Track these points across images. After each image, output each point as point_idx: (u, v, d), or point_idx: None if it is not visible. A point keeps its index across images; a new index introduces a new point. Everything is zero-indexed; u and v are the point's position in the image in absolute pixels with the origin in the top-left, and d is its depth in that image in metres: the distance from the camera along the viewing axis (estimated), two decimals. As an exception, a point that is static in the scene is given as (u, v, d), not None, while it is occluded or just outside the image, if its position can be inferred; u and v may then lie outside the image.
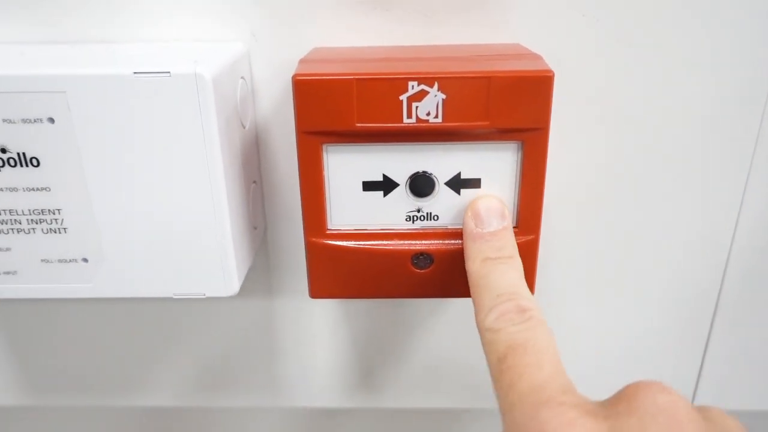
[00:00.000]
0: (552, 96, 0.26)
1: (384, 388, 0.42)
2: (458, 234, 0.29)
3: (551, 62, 0.28)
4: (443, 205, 0.29)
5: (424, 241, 0.29)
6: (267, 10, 0.32)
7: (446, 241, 0.29)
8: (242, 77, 0.31)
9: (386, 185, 0.29)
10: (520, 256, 0.28)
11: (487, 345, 0.24)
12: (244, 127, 0.32)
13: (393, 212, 0.29)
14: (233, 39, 0.32)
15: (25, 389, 0.43)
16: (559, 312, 0.39)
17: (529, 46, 0.31)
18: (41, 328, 0.40)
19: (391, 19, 0.32)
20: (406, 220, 0.29)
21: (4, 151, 0.28)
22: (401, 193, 0.29)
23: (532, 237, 0.29)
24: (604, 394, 0.21)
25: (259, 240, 0.35)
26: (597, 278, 0.38)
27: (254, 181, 0.34)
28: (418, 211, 0.29)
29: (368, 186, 0.29)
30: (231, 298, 0.31)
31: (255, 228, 0.34)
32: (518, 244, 0.29)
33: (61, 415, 0.46)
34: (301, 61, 0.29)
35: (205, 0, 0.31)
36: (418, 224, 0.30)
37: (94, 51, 0.30)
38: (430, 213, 0.29)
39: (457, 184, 0.29)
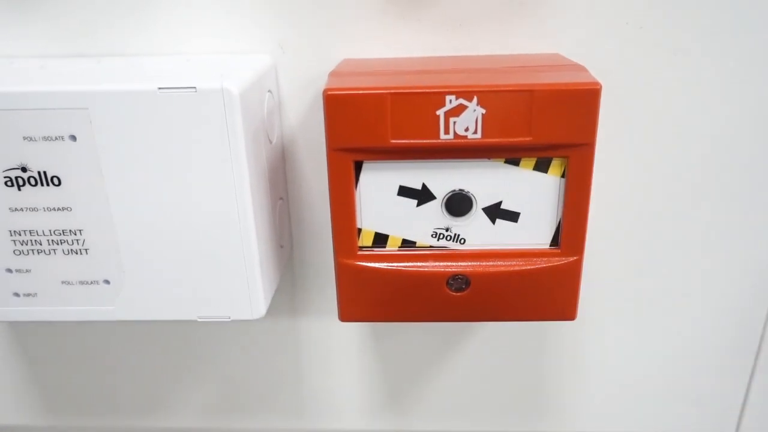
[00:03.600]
0: (599, 110, 0.25)
1: (412, 411, 0.41)
2: (493, 255, 0.28)
3: (593, 72, 0.26)
4: (474, 229, 0.28)
5: (460, 263, 0.28)
6: (294, 21, 0.30)
7: (482, 263, 0.28)
8: (269, 90, 0.30)
9: (423, 195, 0.27)
10: (563, 278, 0.27)
11: None
12: (271, 142, 0.31)
13: (421, 225, 0.28)
14: (260, 51, 0.31)
15: (47, 410, 0.42)
16: (602, 336, 0.37)
17: (569, 56, 0.30)
18: (62, 348, 0.40)
19: (423, 29, 0.31)
20: (431, 236, 0.28)
21: (24, 170, 0.27)
22: (436, 207, 0.27)
23: (575, 258, 0.28)
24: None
25: (285, 259, 0.34)
26: (642, 299, 0.36)
27: (281, 198, 0.33)
28: (447, 229, 0.28)
29: (404, 192, 0.27)
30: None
31: (282, 247, 0.33)
32: (561, 265, 0.28)
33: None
34: (332, 74, 0.27)
35: (231, 12, 0.30)
36: (442, 243, 0.28)
37: (118, 65, 0.29)
38: (458, 235, 0.28)
39: (495, 213, 0.27)
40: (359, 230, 0.28)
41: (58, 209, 0.27)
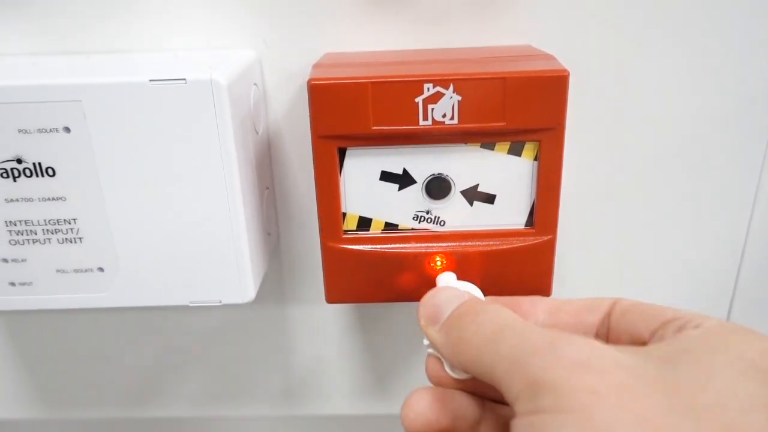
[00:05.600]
0: (567, 95, 0.26)
1: (400, 395, 0.42)
2: (475, 236, 0.29)
3: (564, 63, 0.28)
4: (453, 211, 0.29)
5: (440, 244, 0.29)
6: (277, 17, 0.32)
7: (461, 243, 0.29)
8: (255, 83, 0.31)
9: (404, 179, 0.29)
10: (538, 257, 0.29)
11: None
12: (257, 133, 0.32)
13: (403, 209, 0.29)
14: (245, 46, 0.32)
15: (39, 401, 0.43)
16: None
17: (540, 47, 0.31)
18: (55, 339, 0.40)
19: (403, 23, 0.32)
20: (413, 218, 0.29)
21: (19, 161, 0.28)
22: (416, 191, 0.29)
23: (549, 237, 0.29)
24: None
25: (272, 246, 0.35)
26: (612, 278, 0.38)
27: (267, 187, 0.34)
28: (428, 212, 0.29)
29: (386, 176, 0.29)
30: (244, 305, 0.31)
31: (269, 234, 0.34)
32: (535, 244, 0.29)
33: (76, 428, 0.46)
34: (315, 66, 0.29)
35: (216, 9, 0.32)
36: (423, 225, 0.29)
37: (108, 60, 0.30)
38: (438, 217, 0.29)
39: (472, 195, 0.29)
40: (344, 214, 0.29)
41: (53, 199, 0.28)
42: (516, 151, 0.28)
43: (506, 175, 0.29)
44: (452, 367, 0.24)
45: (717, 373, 0.17)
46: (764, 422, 0.16)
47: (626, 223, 0.36)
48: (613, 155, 0.34)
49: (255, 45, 0.32)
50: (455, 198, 0.29)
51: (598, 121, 0.33)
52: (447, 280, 0.28)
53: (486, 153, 0.28)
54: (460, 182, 0.29)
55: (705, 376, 0.17)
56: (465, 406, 0.24)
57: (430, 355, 0.25)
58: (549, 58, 0.29)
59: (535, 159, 0.28)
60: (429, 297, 0.25)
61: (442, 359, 0.24)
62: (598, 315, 0.23)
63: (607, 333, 0.23)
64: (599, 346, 0.18)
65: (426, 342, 0.24)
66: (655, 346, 0.19)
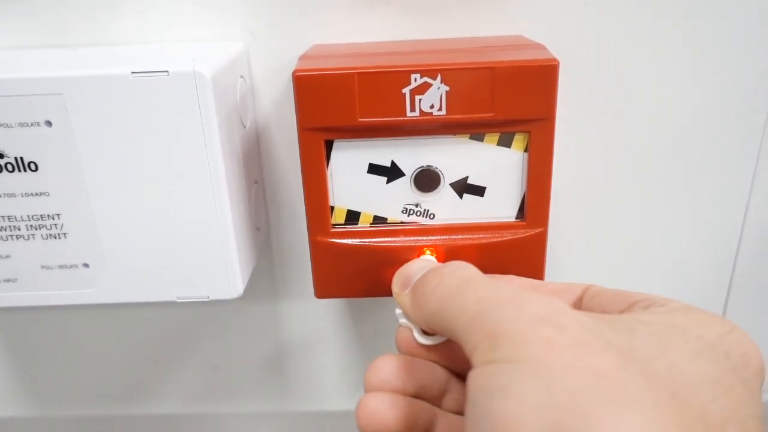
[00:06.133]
0: (557, 85, 0.26)
1: (392, 390, 0.41)
2: (464, 229, 0.29)
3: (555, 53, 0.27)
4: (443, 204, 0.29)
5: (430, 237, 0.29)
6: (265, 8, 0.31)
7: (451, 237, 0.29)
8: (241, 76, 0.31)
9: (392, 172, 0.28)
10: (529, 249, 0.28)
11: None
12: (245, 127, 0.31)
13: (391, 202, 0.29)
14: (232, 38, 0.32)
15: (27, 400, 0.42)
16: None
17: (532, 38, 0.31)
18: (42, 336, 0.40)
19: (391, 13, 0.31)
20: (402, 211, 0.29)
21: (1, 156, 0.27)
22: (405, 183, 0.28)
23: (540, 230, 0.29)
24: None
25: (262, 241, 0.35)
26: (606, 271, 0.37)
27: (256, 182, 0.33)
28: (417, 205, 0.29)
29: (374, 169, 0.28)
30: (235, 300, 0.30)
31: (258, 229, 0.34)
32: (526, 237, 0.29)
33: (66, 426, 0.46)
34: (302, 58, 0.28)
35: (203, 0, 0.31)
36: (412, 218, 0.29)
37: (91, 53, 0.30)
38: (428, 210, 0.29)
39: (462, 188, 0.28)
40: (332, 208, 0.29)
41: (36, 194, 0.28)
42: (506, 142, 0.28)
43: (496, 166, 0.28)
44: (419, 329, 0.25)
45: (672, 347, 0.17)
46: (711, 398, 0.16)
47: (620, 216, 0.36)
48: (606, 147, 0.34)
49: (242, 37, 0.32)
50: (444, 190, 0.29)
51: (590, 111, 0.33)
52: (424, 258, 0.28)
53: (475, 144, 0.28)
54: (449, 174, 0.28)
55: (661, 347, 0.17)
56: (431, 375, 0.24)
57: (400, 325, 0.25)
58: (539, 47, 0.28)
59: (525, 150, 0.28)
60: (402, 267, 0.26)
61: (411, 326, 0.25)
62: (571, 297, 0.23)
63: None
64: (562, 305, 0.18)
65: (397, 311, 0.25)
66: (618, 316, 0.20)
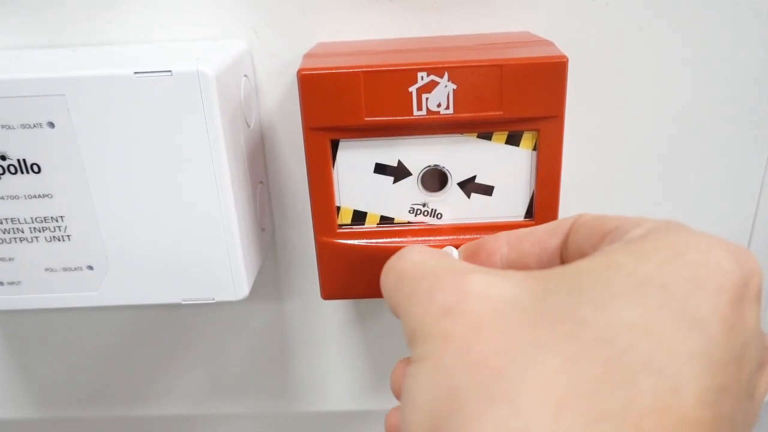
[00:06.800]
0: (566, 82, 0.26)
1: (399, 390, 0.41)
2: (471, 229, 0.29)
3: (562, 49, 0.27)
4: (450, 204, 0.28)
5: (437, 238, 0.29)
6: (268, 6, 0.31)
7: (459, 237, 0.29)
8: (245, 75, 0.30)
9: (399, 172, 0.28)
10: None
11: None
12: (249, 126, 0.31)
13: (398, 202, 0.28)
14: (235, 37, 0.31)
15: (31, 401, 0.42)
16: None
17: (538, 34, 0.31)
18: (48, 338, 0.40)
19: (396, 10, 0.31)
20: (409, 212, 0.29)
21: (3, 158, 0.27)
22: (412, 183, 0.28)
23: (549, 229, 0.28)
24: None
25: (267, 242, 0.34)
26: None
27: (261, 182, 0.33)
28: (424, 205, 0.29)
29: (380, 169, 0.28)
30: (240, 301, 0.30)
31: (263, 229, 0.33)
32: (535, 237, 0.28)
33: (69, 427, 0.46)
34: (306, 56, 0.28)
35: (205, -2, 0.31)
36: (419, 218, 0.29)
37: (94, 53, 0.30)
38: (435, 210, 0.29)
39: (469, 187, 0.28)
40: (338, 208, 0.28)
41: (39, 196, 0.28)
42: (514, 141, 0.27)
43: (504, 165, 0.28)
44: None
45: (587, 301, 0.15)
46: (620, 351, 0.14)
47: (629, 214, 0.35)
48: (615, 144, 0.33)
49: (246, 35, 0.31)
50: (452, 190, 0.28)
51: (599, 109, 0.32)
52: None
53: (483, 143, 0.27)
54: (456, 174, 0.28)
55: (572, 304, 0.15)
56: None
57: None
58: (548, 44, 0.28)
59: (534, 149, 0.27)
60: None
61: None
62: (560, 237, 0.21)
63: (566, 255, 0.21)
64: (476, 283, 0.16)
65: None
66: (550, 272, 0.17)
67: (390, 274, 0.20)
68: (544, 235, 0.21)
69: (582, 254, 0.19)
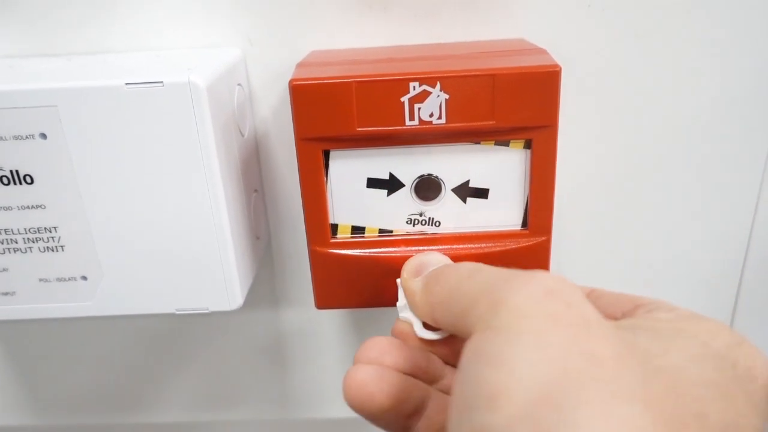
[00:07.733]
0: (559, 91, 0.25)
1: (396, 397, 0.41)
2: (465, 238, 0.28)
3: (557, 56, 0.26)
4: (447, 211, 0.28)
5: (431, 247, 0.28)
6: (263, 14, 0.31)
7: (453, 246, 0.28)
8: (239, 84, 0.30)
9: (392, 184, 0.28)
10: (533, 258, 0.28)
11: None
12: (243, 135, 0.31)
13: (395, 213, 0.28)
14: (229, 45, 0.31)
15: (28, 409, 0.42)
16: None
17: (534, 41, 0.30)
18: (41, 344, 0.40)
19: (390, 19, 0.31)
20: (406, 222, 0.29)
21: (-4, 169, 0.27)
22: (406, 194, 0.28)
23: (543, 238, 0.28)
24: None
25: (262, 250, 0.34)
26: (611, 279, 0.37)
27: (255, 190, 0.33)
28: (421, 214, 0.28)
29: (373, 183, 0.28)
30: (237, 309, 0.30)
31: (258, 238, 0.33)
32: (529, 246, 0.28)
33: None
34: (299, 66, 0.28)
35: (200, 7, 0.31)
36: (418, 228, 0.29)
37: (86, 63, 0.30)
38: (433, 218, 0.28)
39: (464, 191, 0.28)
40: (336, 226, 0.28)
41: (32, 207, 0.28)
42: (503, 142, 0.27)
43: (496, 166, 0.27)
44: (421, 324, 0.24)
45: (676, 349, 0.17)
46: (711, 401, 0.16)
47: (625, 223, 0.35)
48: (610, 153, 0.33)
49: (239, 44, 0.31)
50: (447, 197, 0.28)
51: (593, 117, 0.32)
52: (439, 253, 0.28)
53: (473, 147, 0.27)
54: (449, 180, 0.28)
55: (663, 347, 0.17)
56: (427, 358, 0.23)
57: (398, 319, 0.25)
58: (541, 52, 0.28)
59: (525, 147, 0.27)
60: (417, 256, 0.25)
61: (413, 319, 0.24)
62: None
63: None
64: (573, 285, 0.18)
65: (399, 303, 0.25)
66: (621, 321, 0.19)
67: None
68: None
69: (609, 317, 0.21)
